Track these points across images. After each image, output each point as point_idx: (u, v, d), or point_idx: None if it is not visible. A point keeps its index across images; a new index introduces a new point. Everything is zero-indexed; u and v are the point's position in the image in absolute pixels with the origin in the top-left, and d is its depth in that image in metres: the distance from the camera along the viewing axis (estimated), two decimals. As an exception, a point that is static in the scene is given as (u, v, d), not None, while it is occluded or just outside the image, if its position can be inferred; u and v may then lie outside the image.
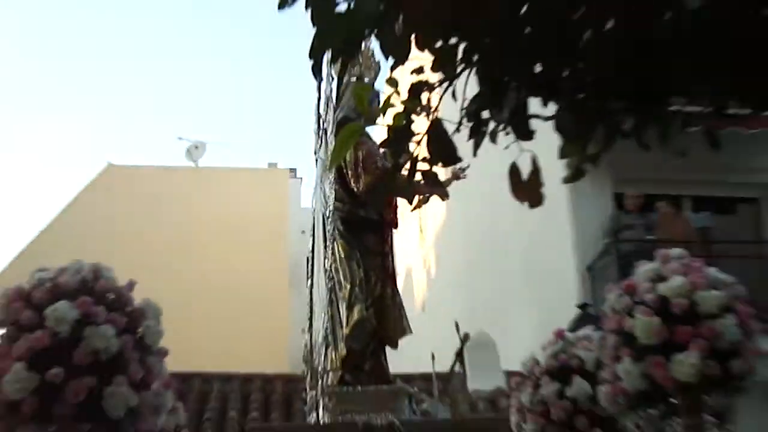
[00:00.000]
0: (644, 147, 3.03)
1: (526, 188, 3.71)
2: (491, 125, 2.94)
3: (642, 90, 2.83)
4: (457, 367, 5.87)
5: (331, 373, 5.27)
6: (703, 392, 5.00)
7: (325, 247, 5.46)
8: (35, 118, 67.73)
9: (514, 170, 3.29)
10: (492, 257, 13.27)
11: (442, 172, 5.90)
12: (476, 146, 2.97)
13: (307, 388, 5.52)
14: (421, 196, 5.61)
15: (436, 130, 2.84)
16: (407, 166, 2.92)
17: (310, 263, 5.78)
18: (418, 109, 2.86)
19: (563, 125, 2.95)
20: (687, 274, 5.08)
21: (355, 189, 5.39)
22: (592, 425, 5.73)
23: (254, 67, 70.10)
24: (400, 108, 2.85)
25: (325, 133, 5.64)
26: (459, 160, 3.00)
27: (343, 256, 5.37)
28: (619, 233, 12.34)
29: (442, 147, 2.86)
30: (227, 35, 67.41)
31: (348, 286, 5.26)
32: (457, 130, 2.90)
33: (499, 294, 13.15)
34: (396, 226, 5.67)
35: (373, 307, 5.29)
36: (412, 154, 2.92)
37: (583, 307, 10.95)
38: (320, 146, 5.88)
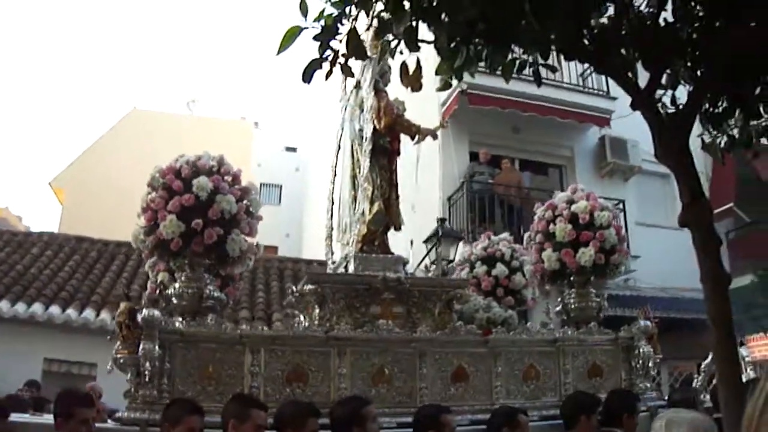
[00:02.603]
0: (493, 70, 3.20)
1: (411, 78, 3.88)
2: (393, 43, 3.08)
3: (495, 34, 3.00)
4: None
5: (355, 244, 5.37)
6: (591, 274, 5.38)
7: (353, 163, 5.58)
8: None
9: (404, 66, 3.48)
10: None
11: (432, 124, 6.09)
12: (381, 55, 3.08)
13: (330, 254, 5.62)
14: (420, 135, 5.69)
15: (353, 34, 2.96)
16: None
17: (334, 173, 5.88)
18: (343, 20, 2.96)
19: (441, 46, 3.07)
20: (588, 200, 5.46)
21: (378, 126, 5.42)
22: (506, 294, 6.06)
23: (239, 38, 67.95)
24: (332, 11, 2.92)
25: (357, 86, 5.67)
26: (366, 56, 3.12)
27: (368, 170, 5.45)
28: (472, 177, 12.52)
29: (355, 45, 2.96)
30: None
31: (370, 189, 5.33)
32: (366, 30, 3.06)
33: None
34: (399, 153, 5.76)
35: (384, 204, 5.40)
36: (336, 50, 2.99)
37: (441, 220, 11.14)
38: (350, 96, 5.86)
